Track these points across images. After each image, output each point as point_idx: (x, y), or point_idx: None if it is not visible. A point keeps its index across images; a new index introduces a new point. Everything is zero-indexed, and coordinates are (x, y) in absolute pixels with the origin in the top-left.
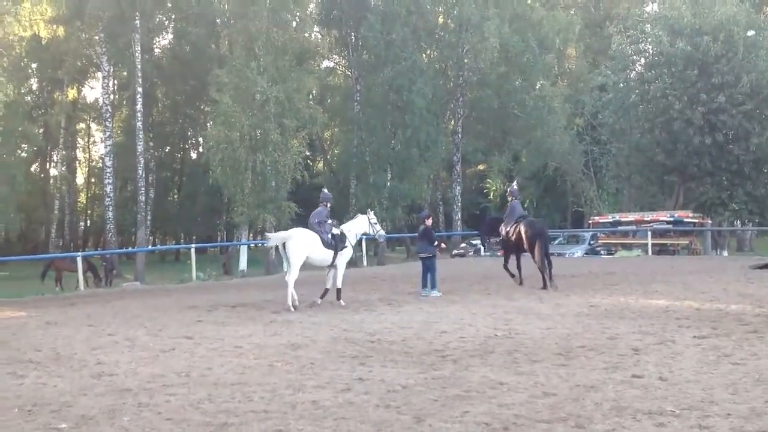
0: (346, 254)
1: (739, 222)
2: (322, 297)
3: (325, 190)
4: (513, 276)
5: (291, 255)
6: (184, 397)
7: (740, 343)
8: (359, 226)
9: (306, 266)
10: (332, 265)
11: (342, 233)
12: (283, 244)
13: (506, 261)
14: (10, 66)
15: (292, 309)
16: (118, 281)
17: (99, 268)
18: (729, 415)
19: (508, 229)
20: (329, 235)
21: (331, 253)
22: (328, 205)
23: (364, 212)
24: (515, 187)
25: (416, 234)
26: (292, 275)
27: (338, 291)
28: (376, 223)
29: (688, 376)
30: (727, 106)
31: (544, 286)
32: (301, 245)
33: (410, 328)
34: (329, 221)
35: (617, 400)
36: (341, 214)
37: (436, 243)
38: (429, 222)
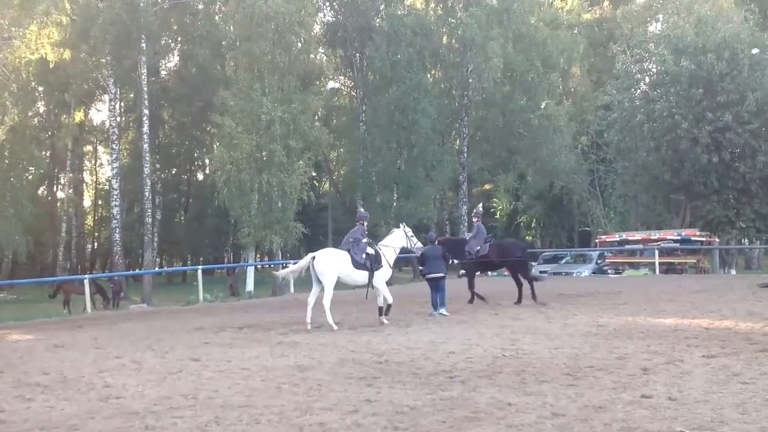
0: (383, 273)
1: (746, 240)
2: (382, 314)
3: (362, 209)
4: (482, 298)
5: (321, 274)
6: (191, 420)
7: (749, 362)
8: (397, 240)
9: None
10: (370, 285)
11: (377, 252)
12: (312, 265)
13: (471, 284)
14: (19, 90)
15: (309, 328)
16: (125, 303)
17: (107, 290)
18: None
19: (476, 249)
20: (363, 255)
21: (365, 273)
22: (365, 223)
23: (369, 232)
24: (480, 209)
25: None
26: (327, 295)
27: (387, 307)
28: (412, 236)
29: (698, 395)
30: (733, 124)
31: (519, 300)
32: (330, 264)
33: (418, 349)
34: (364, 240)
35: (626, 420)
36: (345, 234)
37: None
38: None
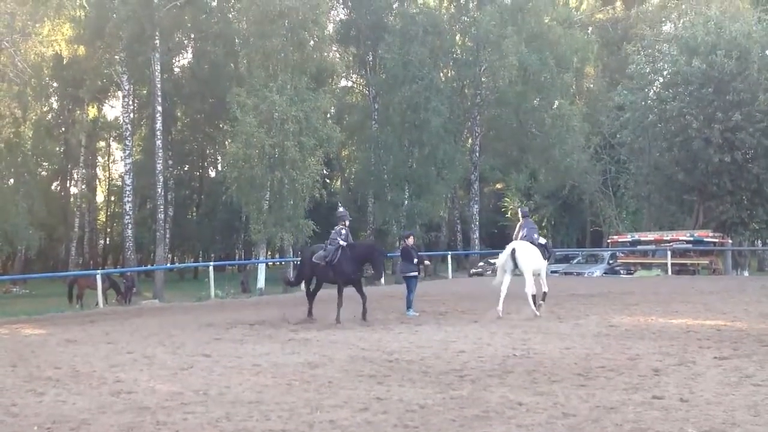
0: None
1: (759, 242)
2: (541, 300)
3: (525, 209)
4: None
5: (523, 264)
6: (202, 416)
7: (762, 364)
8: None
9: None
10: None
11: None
12: (512, 256)
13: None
14: (38, 86)
15: (500, 315)
16: (137, 299)
17: (120, 285)
18: None
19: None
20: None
21: (545, 263)
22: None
23: (380, 230)
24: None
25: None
26: (528, 284)
27: (543, 294)
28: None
29: (709, 397)
30: (744, 123)
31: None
32: (530, 255)
33: (428, 348)
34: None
35: (637, 421)
36: (356, 233)
37: (416, 261)
38: (410, 241)
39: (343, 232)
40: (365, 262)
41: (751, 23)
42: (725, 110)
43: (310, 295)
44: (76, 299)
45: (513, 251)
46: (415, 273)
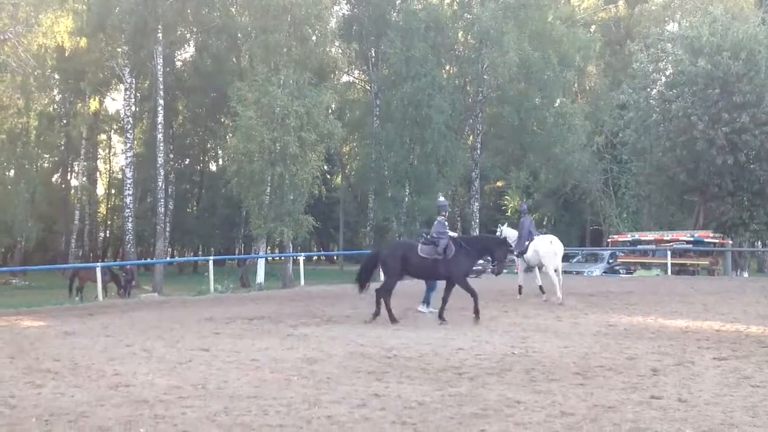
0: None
1: (760, 243)
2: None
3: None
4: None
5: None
6: (200, 410)
7: (761, 365)
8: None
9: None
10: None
11: None
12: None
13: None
14: (41, 77)
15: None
16: (136, 292)
17: (121, 279)
18: None
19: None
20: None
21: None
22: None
23: (380, 226)
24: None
25: None
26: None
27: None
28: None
29: (708, 398)
30: (749, 125)
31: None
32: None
33: (427, 345)
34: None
35: (636, 421)
36: (356, 229)
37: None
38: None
39: (446, 223)
40: (484, 255)
41: (756, 24)
42: (731, 111)
43: (388, 294)
44: (77, 292)
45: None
46: None
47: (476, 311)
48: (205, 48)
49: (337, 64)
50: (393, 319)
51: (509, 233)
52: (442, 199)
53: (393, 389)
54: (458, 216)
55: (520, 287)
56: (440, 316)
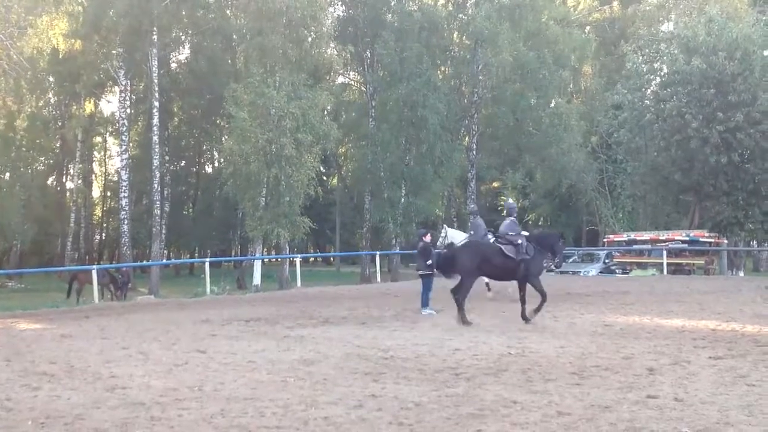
0: None
1: (755, 242)
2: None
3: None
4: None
5: None
6: (197, 412)
7: (756, 364)
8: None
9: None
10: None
11: None
12: None
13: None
14: (33, 79)
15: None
16: (133, 294)
17: (118, 281)
18: None
19: None
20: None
21: None
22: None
23: (378, 227)
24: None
25: (416, 251)
26: None
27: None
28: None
29: (704, 397)
30: (744, 125)
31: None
32: None
33: (424, 345)
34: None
35: (632, 420)
36: (352, 230)
37: (429, 262)
38: (428, 239)
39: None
40: (549, 252)
41: (750, 24)
42: (725, 111)
43: (465, 296)
44: (76, 294)
45: None
46: (431, 271)
47: (537, 310)
48: (201, 50)
49: (333, 65)
50: (465, 321)
51: (455, 235)
52: (511, 201)
53: (390, 390)
54: (454, 217)
55: (487, 284)
56: (523, 317)
